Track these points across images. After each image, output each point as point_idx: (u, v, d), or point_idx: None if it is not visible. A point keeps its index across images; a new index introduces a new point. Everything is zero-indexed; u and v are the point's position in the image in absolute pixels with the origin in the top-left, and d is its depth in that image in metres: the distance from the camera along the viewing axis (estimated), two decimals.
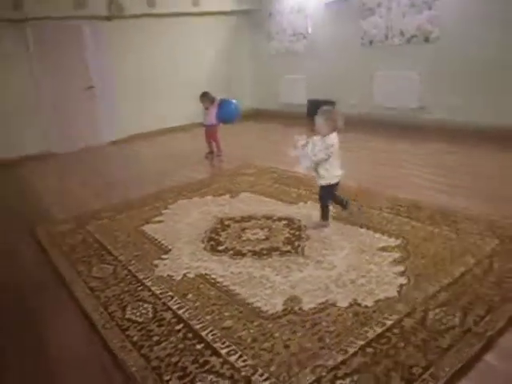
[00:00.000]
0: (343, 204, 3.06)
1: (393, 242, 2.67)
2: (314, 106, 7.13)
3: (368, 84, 6.46)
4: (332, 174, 2.89)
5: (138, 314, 2.18)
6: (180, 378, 1.71)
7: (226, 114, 5.06)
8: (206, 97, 5.37)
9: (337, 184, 2.97)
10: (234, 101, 5.14)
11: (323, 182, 2.94)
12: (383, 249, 2.59)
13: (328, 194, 2.99)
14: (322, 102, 7.06)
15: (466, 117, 5.36)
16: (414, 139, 5.34)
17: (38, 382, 1.81)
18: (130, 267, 2.69)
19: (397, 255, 2.49)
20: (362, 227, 2.91)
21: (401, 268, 2.34)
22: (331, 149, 2.78)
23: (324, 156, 2.79)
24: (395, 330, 1.84)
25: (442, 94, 5.60)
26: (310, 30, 7.31)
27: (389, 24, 5.99)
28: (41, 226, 3.57)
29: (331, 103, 7.06)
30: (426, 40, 5.58)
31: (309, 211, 3.30)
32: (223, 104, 5.08)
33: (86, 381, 1.79)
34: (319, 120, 2.80)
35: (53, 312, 2.32)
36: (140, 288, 2.43)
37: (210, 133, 5.46)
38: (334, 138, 2.82)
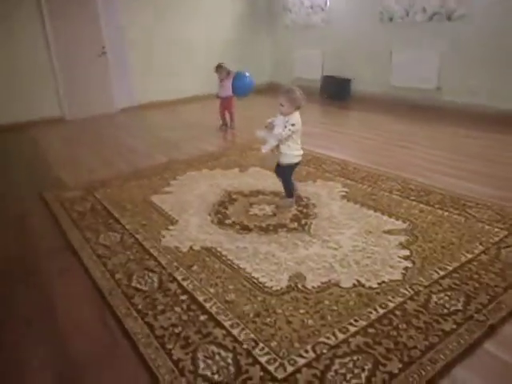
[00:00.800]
0: (290, 190, 3.06)
1: (400, 224, 2.65)
2: (329, 83, 7.06)
3: (385, 62, 6.32)
4: (294, 152, 2.91)
5: (143, 282, 2.21)
6: (182, 347, 1.74)
7: (240, 87, 4.99)
8: (221, 68, 5.30)
9: (298, 163, 3.00)
10: (247, 74, 5.06)
11: (286, 161, 2.96)
12: (390, 231, 2.58)
13: (289, 173, 3.02)
14: (338, 79, 7.00)
15: (485, 100, 5.24)
16: (429, 121, 5.24)
17: (46, 343, 1.86)
18: (137, 236, 2.71)
19: (403, 238, 2.48)
20: (369, 209, 2.90)
21: (407, 251, 2.34)
22: (296, 127, 2.80)
23: (289, 133, 2.81)
24: (397, 312, 1.85)
25: (461, 76, 5.46)
26: (328, 3, 7.10)
27: (411, 0, 5.79)
28: (50, 191, 3.61)
29: (347, 80, 6.96)
30: (449, 18, 5.40)
31: (317, 190, 3.28)
32: (237, 77, 5.01)
33: (92, 344, 1.83)
34: (283, 99, 2.78)
35: (60, 277, 2.36)
36: (146, 257, 2.46)
37: (226, 105, 5.41)
38: (297, 116, 2.83)
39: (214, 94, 5.58)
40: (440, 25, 5.54)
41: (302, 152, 2.95)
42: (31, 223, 3.08)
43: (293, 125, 2.78)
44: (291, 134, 2.81)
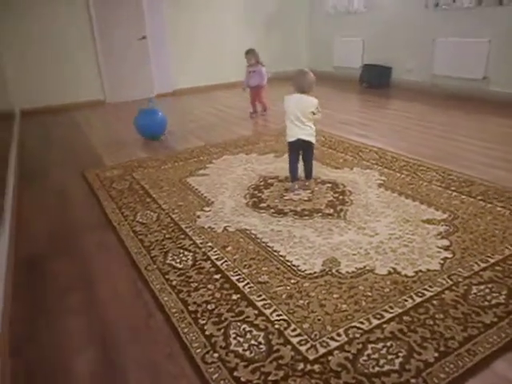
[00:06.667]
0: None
1: (440, 215, 2.57)
2: (369, 72, 6.88)
3: (429, 50, 6.09)
4: None
5: (178, 260, 2.25)
6: (215, 323, 1.76)
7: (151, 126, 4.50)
8: (251, 54, 5.19)
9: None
10: (159, 113, 4.57)
11: (314, 139, 3.01)
12: (429, 221, 2.51)
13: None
14: (378, 68, 6.82)
15: None
16: (474, 112, 5.03)
17: (84, 312, 1.93)
18: (173, 216, 2.76)
19: (443, 228, 2.40)
20: (407, 198, 2.83)
21: (446, 241, 2.27)
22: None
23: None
24: (435, 302, 1.80)
25: (510, 65, 5.19)
26: None
27: None
28: (91, 170, 3.72)
29: (387, 69, 6.77)
30: (500, 2, 5.12)
31: (354, 177, 3.23)
32: (148, 113, 4.54)
33: (127, 315, 1.88)
34: (311, 79, 2.88)
35: (99, 250, 2.44)
36: (182, 236, 2.49)
37: (256, 94, 5.32)
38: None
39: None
40: (490, 10, 5.27)
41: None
42: (73, 200, 3.19)
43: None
44: None
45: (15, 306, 2.00)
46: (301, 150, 3.01)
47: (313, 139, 2.96)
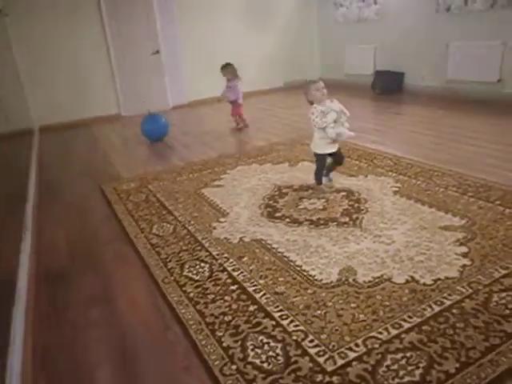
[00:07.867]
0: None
1: (457, 221, 2.54)
2: (381, 78, 6.86)
3: (442, 55, 6.05)
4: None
5: (194, 272, 2.26)
6: (232, 335, 1.76)
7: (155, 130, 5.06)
8: (229, 68, 5.15)
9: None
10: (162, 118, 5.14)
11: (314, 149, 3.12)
12: (446, 228, 2.47)
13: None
14: (390, 74, 6.80)
15: None
16: (489, 115, 4.97)
17: (104, 323, 1.95)
18: (189, 227, 2.78)
19: (461, 235, 2.37)
20: (424, 204, 2.80)
21: (465, 248, 2.23)
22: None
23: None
24: (454, 311, 1.77)
25: None
26: None
27: None
28: (108, 183, 3.78)
29: (400, 74, 6.74)
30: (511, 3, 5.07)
31: (369, 185, 3.21)
32: (152, 120, 5.09)
33: (145, 327, 1.90)
34: (308, 88, 2.96)
35: (117, 263, 2.48)
36: (198, 248, 2.51)
37: (234, 108, 5.28)
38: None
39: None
40: (503, 12, 5.21)
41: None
42: (91, 213, 3.24)
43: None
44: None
45: (37, 319, 2.04)
46: None
47: (313, 148, 3.10)
